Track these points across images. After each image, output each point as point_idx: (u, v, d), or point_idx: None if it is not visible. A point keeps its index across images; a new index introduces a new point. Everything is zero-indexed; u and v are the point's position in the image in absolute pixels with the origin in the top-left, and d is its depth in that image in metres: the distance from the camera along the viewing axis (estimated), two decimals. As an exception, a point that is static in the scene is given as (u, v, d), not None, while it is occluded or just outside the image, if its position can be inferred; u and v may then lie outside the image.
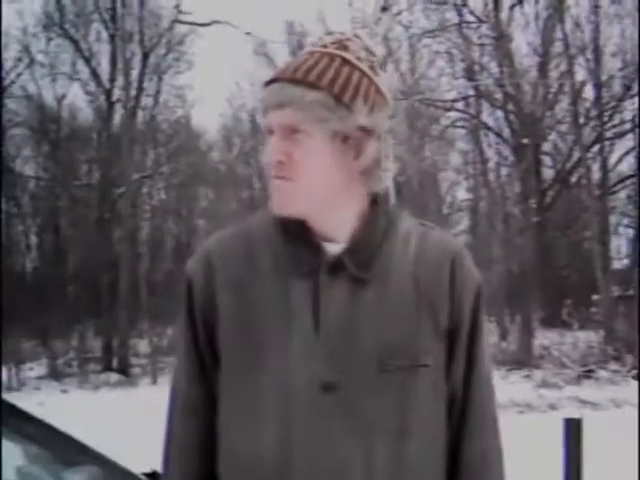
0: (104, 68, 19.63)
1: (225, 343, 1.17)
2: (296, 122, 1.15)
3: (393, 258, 1.19)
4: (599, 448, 6.72)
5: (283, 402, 1.12)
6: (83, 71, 19.70)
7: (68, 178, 19.33)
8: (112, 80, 19.39)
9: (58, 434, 1.89)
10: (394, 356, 1.15)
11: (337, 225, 1.19)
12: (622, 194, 22.01)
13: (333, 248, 1.18)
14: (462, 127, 21.84)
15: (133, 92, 18.87)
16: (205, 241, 1.29)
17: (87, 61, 19.47)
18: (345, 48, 1.18)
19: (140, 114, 19.73)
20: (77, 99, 20.61)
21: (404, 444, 1.15)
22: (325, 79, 1.14)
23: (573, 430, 5.24)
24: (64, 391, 14.74)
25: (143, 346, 20.27)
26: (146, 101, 19.97)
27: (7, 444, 1.57)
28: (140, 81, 19.19)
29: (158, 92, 20.18)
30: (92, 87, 19.83)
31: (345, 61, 1.17)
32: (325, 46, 1.18)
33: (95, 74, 19.52)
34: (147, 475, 2.06)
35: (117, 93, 19.22)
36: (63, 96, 20.17)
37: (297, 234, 1.18)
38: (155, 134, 20.95)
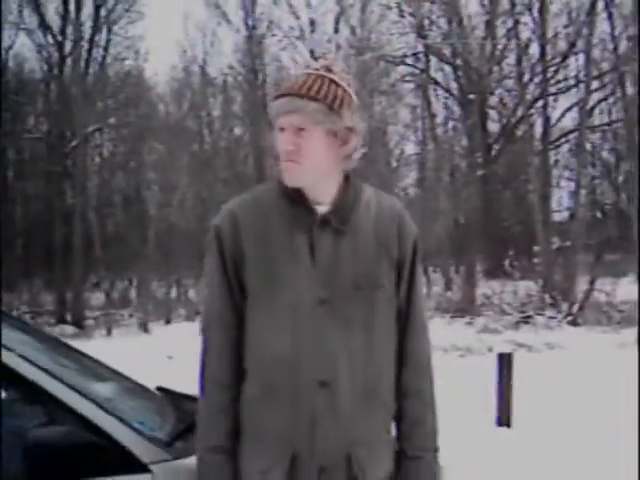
0: (51, 17, 19.28)
1: (251, 276, 1.69)
2: (302, 124, 1.66)
3: (361, 216, 1.73)
4: (531, 384, 7.37)
5: (293, 313, 1.66)
6: (31, 21, 19.33)
7: (17, 131, 19.09)
8: (63, 32, 19.05)
9: (80, 353, 2.28)
10: (363, 279, 1.69)
11: (324, 193, 1.72)
12: (565, 147, 22.82)
13: (321, 209, 1.71)
14: (411, 82, 22.13)
15: (84, 44, 18.62)
16: (227, 204, 1.78)
17: (36, 10, 19.05)
18: (330, 71, 1.71)
19: (90, 66, 19.48)
20: (24, 50, 20.27)
21: (371, 335, 1.70)
22: (321, 94, 1.66)
23: (505, 363, 5.87)
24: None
25: (95, 299, 20.48)
26: (97, 53, 19.74)
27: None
28: (92, 33, 18.92)
29: (108, 42, 19.94)
30: (40, 37, 19.48)
31: (332, 81, 1.70)
32: (317, 69, 1.71)
33: (44, 24, 19.15)
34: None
35: (68, 45, 18.92)
36: (10, 46, 19.80)
37: (296, 200, 1.70)
38: (105, 87, 20.73)
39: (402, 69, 21.49)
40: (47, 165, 18.75)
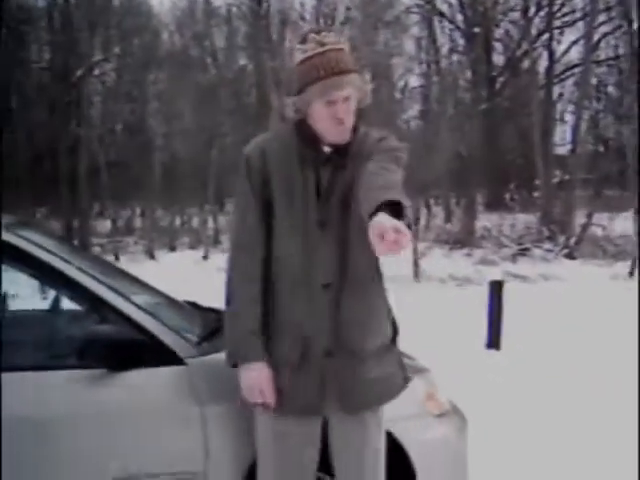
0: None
1: (276, 198, 2.11)
2: (349, 94, 2.07)
3: (355, 154, 2.11)
4: (523, 313, 7.74)
5: (303, 230, 2.09)
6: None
7: (21, 59, 19.03)
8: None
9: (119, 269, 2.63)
10: (350, 203, 2.06)
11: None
12: (570, 81, 22.70)
13: (326, 149, 2.12)
14: (416, 13, 21.92)
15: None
16: (255, 139, 2.20)
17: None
18: (339, 42, 2.09)
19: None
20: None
21: (353, 246, 2.10)
22: (352, 66, 2.08)
23: (495, 290, 6.20)
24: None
25: (101, 227, 20.82)
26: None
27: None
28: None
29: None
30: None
31: (345, 51, 2.10)
32: (332, 43, 2.07)
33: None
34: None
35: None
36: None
37: (309, 141, 2.11)
38: (109, 16, 20.56)
39: (407, 0, 21.24)
40: (52, 94, 18.75)
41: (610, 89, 23.26)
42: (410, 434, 2.41)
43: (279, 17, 21.45)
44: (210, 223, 19.35)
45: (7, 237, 2.25)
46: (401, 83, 23.60)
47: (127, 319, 2.23)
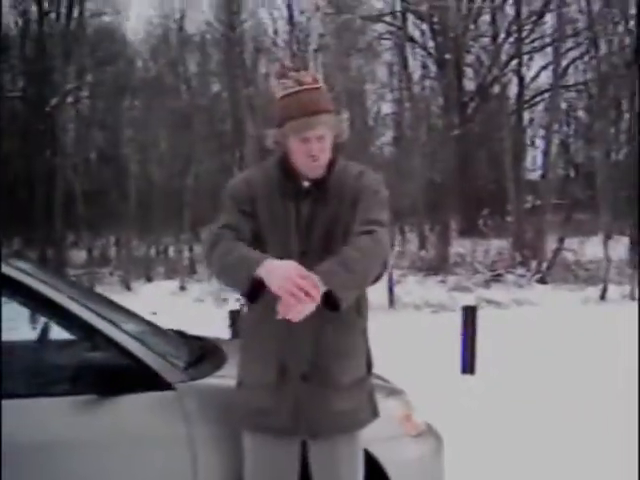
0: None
1: (260, 225, 2.19)
2: (323, 133, 2.18)
3: (334, 187, 2.22)
4: (497, 338, 7.87)
5: (284, 259, 2.08)
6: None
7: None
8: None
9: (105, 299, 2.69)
10: (334, 237, 2.18)
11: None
12: (541, 106, 23.07)
13: (306, 184, 2.23)
14: (388, 39, 22.24)
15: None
16: (240, 174, 2.37)
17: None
18: (316, 81, 2.22)
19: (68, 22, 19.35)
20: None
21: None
22: (329, 106, 2.21)
23: (469, 315, 6.31)
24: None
25: (76, 257, 20.67)
26: (74, 8, 19.53)
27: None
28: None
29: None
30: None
31: (322, 90, 2.22)
32: (309, 83, 2.20)
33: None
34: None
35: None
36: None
37: (290, 176, 2.23)
38: (82, 44, 20.64)
39: (379, 27, 21.57)
40: (27, 124, 18.71)
41: (580, 114, 23.71)
42: (388, 454, 2.51)
43: (252, 44, 21.68)
44: (186, 253, 19.31)
45: (6, 270, 2.32)
46: (374, 110, 23.88)
47: (117, 346, 2.32)
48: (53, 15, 20.25)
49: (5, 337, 2.40)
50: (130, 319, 2.71)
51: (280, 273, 1.98)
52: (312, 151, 2.16)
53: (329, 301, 2.00)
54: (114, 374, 2.26)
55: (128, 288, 17.11)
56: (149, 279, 18.49)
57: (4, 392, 2.24)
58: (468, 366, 6.53)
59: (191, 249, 19.40)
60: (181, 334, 3.01)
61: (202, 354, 2.66)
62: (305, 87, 2.18)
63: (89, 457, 2.27)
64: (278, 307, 1.95)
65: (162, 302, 13.29)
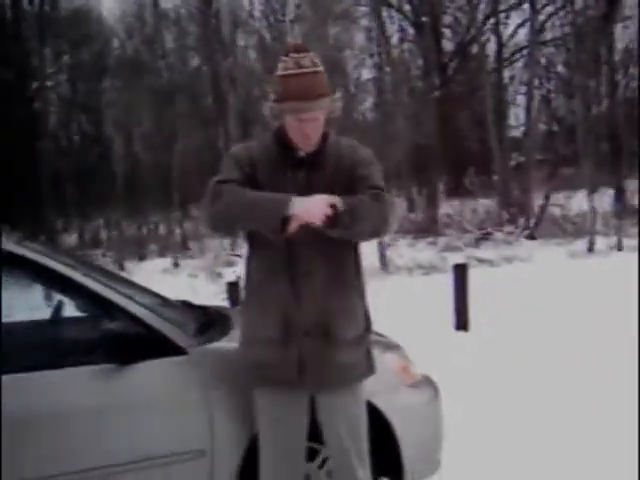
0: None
1: (259, 185, 2.33)
2: (318, 115, 2.33)
3: (330, 157, 2.38)
4: (489, 295, 8.04)
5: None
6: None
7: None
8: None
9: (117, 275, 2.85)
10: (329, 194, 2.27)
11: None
12: (520, 64, 23.11)
13: (300, 154, 2.37)
14: (364, 5, 22.16)
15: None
16: (244, 143, 2.50)
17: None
18: (315, 64, 2.30)
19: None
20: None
21: (334, 240, 2.28)
22: (326, 90, 2.32)
23: (459, 273, 6.47)
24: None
25: (66, 241, 20.70)
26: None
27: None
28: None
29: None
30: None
31: (320, 74, 2.32)
32: (308, 66, 2.28)
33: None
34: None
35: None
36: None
37: (285, 147, 2.37)
38: (58, 25, 20.45)
39: (355, -8, 21.45)
40: (7, 109, 18.60)
41: (560, 68, 23.74)
42: (389, 403, 2.69)
43: (229, 17, 21.51)
44: (177, 230, 19.39)
45: (21, 251, 2.48)
46: (354, 76, 23.83)
47: (131, 317, 2.48)
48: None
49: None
50: (140, 292, 2.86)
51: (305, 205, 2.21)
52: (306, 130, 2.31)
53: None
54: (130, 343, 2.42)
55: (122, 268, 17.22)
56: (142, 258, 18.59)
57: (28, 366, 2.40)
58: (461, 323, 6.70)
59: (181, 226, 19.49)
60: (188, 304, 3.17)
61: (209, 321, 2.83)
62: (304, 71, 2.28)
63: (111, 422, 2.43)
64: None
65: (156, 279, 13.38)
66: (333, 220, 2.19)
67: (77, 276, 2.49)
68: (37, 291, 2.87)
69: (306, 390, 2.39)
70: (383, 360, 2.63)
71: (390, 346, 2.88)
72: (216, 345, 2.57)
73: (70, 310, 2.78)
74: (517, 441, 3.90)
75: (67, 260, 2.64)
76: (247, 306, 2.43)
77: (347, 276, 2.40)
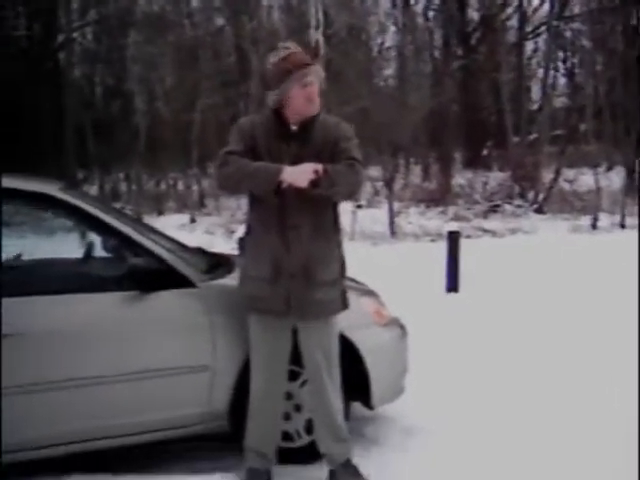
0: None
1: (259, 153, 2.83)
2: (316, 80, 2.85)
3: (317, 132, 2.86)
4: (486, 263, 8.49)
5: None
6: None
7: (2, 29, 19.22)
8: None
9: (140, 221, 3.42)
10: (318, 162, 2.75)
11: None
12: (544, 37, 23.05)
13: (293, 127, 2.86)
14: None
15: None
16: (248, 116, 3.03)
17: None
18: (297, 47, 2.89)
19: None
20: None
21: (318, 200, 2.82)
22: (314, 62, 2.87)
23: (453, 239, 6.96)
24: (21, 237, 15.76)
25: (89, 191, 21.20)
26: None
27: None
28: None
29: None
30: None
31: (303, 52, 2.89)
32: (295, 47, 2.88)
33: None
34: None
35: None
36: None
37: (280, 121, 2.86)
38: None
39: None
40: (37, 61, 19.00)
41: (585, 43, 23.65)
42: (361, 338, 3.24)
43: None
44: (195, 187, 19.81)
45: (64, 196, 3.04)
46: (377, 41, 23.93)
47: (154, 255, 3.04)
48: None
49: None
50: (160, 236, 3.41)
51: (293, 171, 2.70)
52: (312, 94, 2.81)
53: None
54: (151, 276, 2.98)
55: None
56: (160, 213, 19.05)
57: (67, 289, 2.99)
58: (452, 285, 7.17)
59: (199, 183, 19.92)
60: (200, 249, 3.73)
61: (216, 263, 3.39)
62: (293, 50, 2.88)
63: (132, 337, 2.99)
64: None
65: (174, 234, 13.79)
66: (316, 183, 2.70)
67: (110, 220, 3.04)
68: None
69: (290, 320, 2.92)
70: (359, 302, 3.19)
71: (367, 292, 3.44)
72: (220, 281, 3.14)
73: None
74: (498, 394, 4.21)
75: (101, 206, 3.20)
76: (246, 251, 2.96)
77: (327, 229, 2.91)
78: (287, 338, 2.95)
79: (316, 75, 2.84)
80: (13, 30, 19.90)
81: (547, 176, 17.08)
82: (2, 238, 2.97)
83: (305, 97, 2.80)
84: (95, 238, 3.32)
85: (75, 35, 21.26)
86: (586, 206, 15.49)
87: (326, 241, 2.90)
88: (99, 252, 3.32)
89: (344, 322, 3.00)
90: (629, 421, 3.66)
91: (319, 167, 2.70)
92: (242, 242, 3.00)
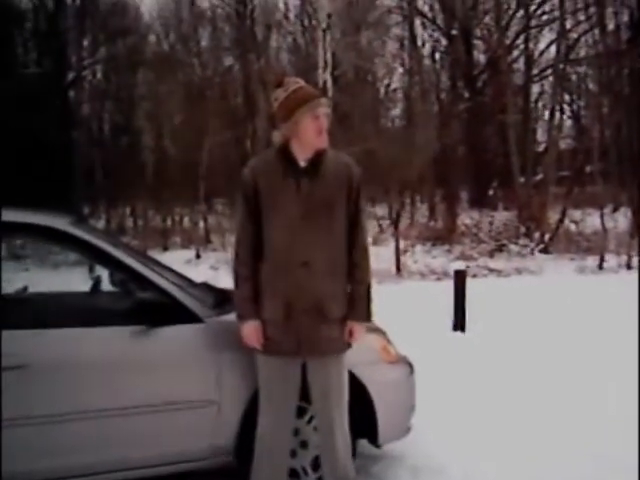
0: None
1: (263, 203, 2.86)
2: (325, 112, 2.88)
3: (327, 167, 2.87)
4: (491, 302, 8.45)
5: (287, 223, 2.84)
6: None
7: (11, 63, 19.47)
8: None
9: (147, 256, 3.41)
10: (327, 203, 2.85)
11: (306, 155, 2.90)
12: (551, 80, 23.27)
13: (302, 164, 2.86)
14: (397, 14, 22.55)
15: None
16: (249, 162, 2.97)
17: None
18: (302, 82, 2.92)
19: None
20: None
21: (333, 234, 2.89)
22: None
23: (459, 278, 6.93)
24: (25, 270, 15.83)
25: (96, 225, 21.27)
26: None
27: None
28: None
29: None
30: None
31: (310, 87, 2.94)
32: (301, 82, 2.92)
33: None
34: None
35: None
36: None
37: (288, 159, 2.86)
38: (93, 17, 21.08)
39: (388, 1, 21.87)
40: (45, 99, 19.22)
41: (591, 86, 23.87)
42: (369, 375, 3.22)
43: (263, 18, 22.03)
44: (201, 223, 19.90)
45: (75, 231, 3.05)
46: (384, 82, 24.21)
47: (161, 290, 3.04)
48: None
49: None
50: (168, 271, 3.41)
51: (246, 333, 2.87)
52: (322, 125, 2.83)
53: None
54: (158, 310, 2.98)
55: (146, 257, 17.66)
56: (166, 248, 19.11)
57: (74, 323, 2.98)
58: (458, 324, 7.13)
59: (205, 220, 20.00)
60: (206, 285, 3.73)
61: (223, 299, 3.37)
62: (301, 85, 2.90)
63: (139, 371, 2.97)
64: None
65: (179, 270, 13.85)
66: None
67: (119, 254, 3.05)
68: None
69: (300, 357, 2.91)
70: (367, 339, 3.14)
71: (374, 329, 3.40)
72: (227, 317, 3.12)
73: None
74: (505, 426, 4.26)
75: (111, 240, 3.21)
76: (261, 291, 2.94)
77: (338, 267, 2.90)
78: (297, 376, 2.94)
79: (325, 107, 2.87)
80: (24, 68, 20.15)
81: (553, 216, 17.11)
82: (8, 271, 2.98)
83: (316, 129, 2.82)
84: (102, 272, 3.33)
85: (85, 73, 21.57)
86: (592, 247, 15.48)
87: (340, 276, 2.91)
88: (106, 286, 3.33)
89: (352, 359, 2.99)
90: (635, 459, 3.64)
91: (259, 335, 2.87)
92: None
